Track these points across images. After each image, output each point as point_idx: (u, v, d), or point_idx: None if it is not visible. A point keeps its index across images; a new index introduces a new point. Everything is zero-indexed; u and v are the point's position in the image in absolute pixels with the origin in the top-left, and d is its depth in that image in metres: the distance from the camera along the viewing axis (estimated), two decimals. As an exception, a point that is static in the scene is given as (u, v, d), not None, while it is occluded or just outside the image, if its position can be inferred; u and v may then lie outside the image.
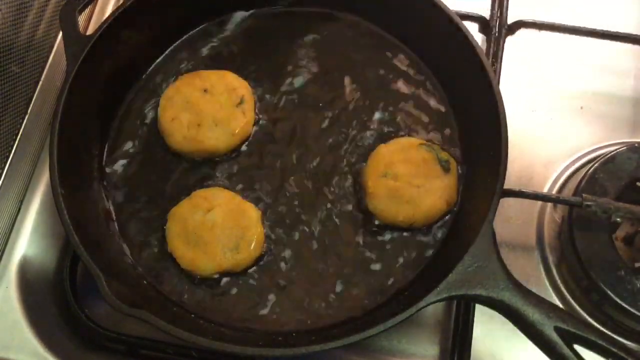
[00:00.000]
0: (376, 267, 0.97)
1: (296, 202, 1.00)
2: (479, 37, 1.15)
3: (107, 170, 1.03)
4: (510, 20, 1.15)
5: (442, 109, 1.05)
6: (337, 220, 0.99)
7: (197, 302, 0.95)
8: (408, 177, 0.96)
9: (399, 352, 0.99)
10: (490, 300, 0.83)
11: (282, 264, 0.97)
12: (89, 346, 0.99)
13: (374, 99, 1.06)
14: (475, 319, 0.96)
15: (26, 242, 1.04)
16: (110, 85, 1.04)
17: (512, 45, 1.15)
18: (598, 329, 0.82)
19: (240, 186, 1.01)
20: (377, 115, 1.05)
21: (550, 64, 1.18)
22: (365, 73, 1.08)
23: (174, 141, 1.01)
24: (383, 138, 1.03)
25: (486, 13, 1.17)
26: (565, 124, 1.13)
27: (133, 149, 1.04)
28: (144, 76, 1.08)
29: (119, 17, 0.99)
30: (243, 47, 1.10)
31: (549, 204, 1.06)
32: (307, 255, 0.98)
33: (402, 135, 1.03)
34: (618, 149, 1.02)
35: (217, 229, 0.95)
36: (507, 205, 1.06)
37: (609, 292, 0.93)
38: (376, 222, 0.98)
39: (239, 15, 1.12)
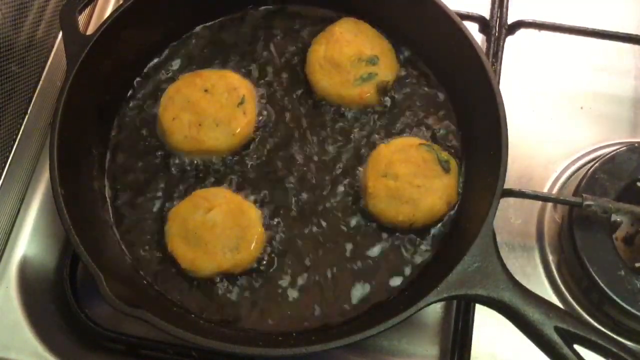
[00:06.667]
0: (376, 267, 0.96)
1: (297, 202, 1.00)
2: (479, 37, 1.15)
3: (107, 170, 1.03)
4: (510, 20, 1.15)
5: (442, 108, 1.05)
6: (337, 220, 0.99)
7: (197, 302, 0.95)
8: (408, 177, 0.96)
9: (399, 352, 0.99)
10: (490, 300, 0.83)
11: (282, 264, 0.97)
12: (89, 346, 0.99)
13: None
14: (475, 319, 0.96)
15: (26, 242, 1.04)
16: (110, 85, 1.04)
17: (512, 45, 1.15)
18: (598, 329, 0.82)
19: (240, 186, 1.01)
20: (377, 115, 1.05)
21: (550, 64, 1.18)
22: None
23: (174, 141, 1.01)
24: (383, 138, 1.03)
25: (486, 13, 1.17)
26: (565, 124, 1.13)
27: (133, 149, 1.04)
28: (143, 76, 1.08)
29: (119, 17, 0.99)
30: (244, 47, 1.10)
31: (549, 204, 1.06)
32: (307, 255, 0.97)
33: (402, 135, 1.03)
34: (618, 149, 1.02)
35: (217, 229, 0.94)
36: (507, 205, 1.06)
37: (609, 292, 0.93)
38: (376, 223, 0.98)
39: (239, 15, 1.12)
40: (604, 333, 0.82)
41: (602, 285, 0.94)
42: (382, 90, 1.04)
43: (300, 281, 0.96)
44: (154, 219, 1.00)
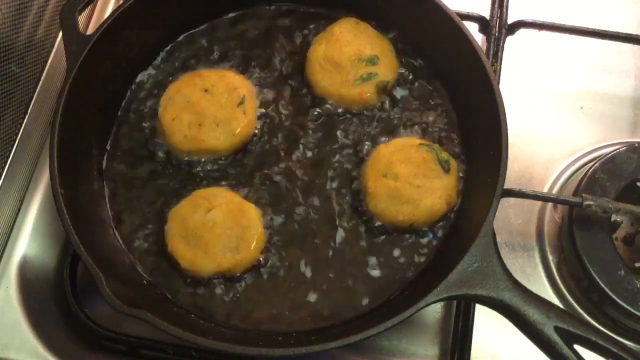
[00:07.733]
0: (376, 267, 0.96)
1: (296, 202, 1.00)
2: (479, 37, 1.15)
3: (107, 170, 1.03)
4: (510, 20, 1.15)
5: (442, 108, 1.05)
6: (337, 220, 0.99)
7: (197, 302, 0.95)
8: (408, 177, 0.96)
9: (399, 352, 0.99)
10: (490, 300, 0.83)
11: (282, 264, 0.97)
12: (89, 346, 0.99)
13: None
14: (475, 319, 0.96)
15: (26, 242, 1.04)
16: (110, 85, 1.04)
17: (512, 45, 1.15)
18: (598, 329, 0.83)
19: (240, 186, 1.01)
20: (377, 115, 1.05)
21: (550, 64, 1.18)
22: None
23: (174, 141, 1.01)
24: (384, 138, 1.03)
25: (486, 13, 1.17)
26: (565, 124, 1.14)
27: (133, 148, 1.04)
28: (144, 76, 1.08)
29: (119, 17, 0.99)
30: (244, 47, 1.10)
31: (549, 204, 1.06)
32: (307, 255, 0.97)
33: (402, 135, 1.03)
34: (618, 149, 1.02)
35: (218, 229, 0.94)
36: (507, 205, 1.06)
37: (609, 292, 0.93)
38: (376, 223, 0.98)
39: (239, 15, 1.12)
40: (604, 333, 0.82)
41: (602, 285, 0.94)
42: (382, 90, 1.04)
43: (300, 282, 0.96)
44: (154, 219, 1.00)
